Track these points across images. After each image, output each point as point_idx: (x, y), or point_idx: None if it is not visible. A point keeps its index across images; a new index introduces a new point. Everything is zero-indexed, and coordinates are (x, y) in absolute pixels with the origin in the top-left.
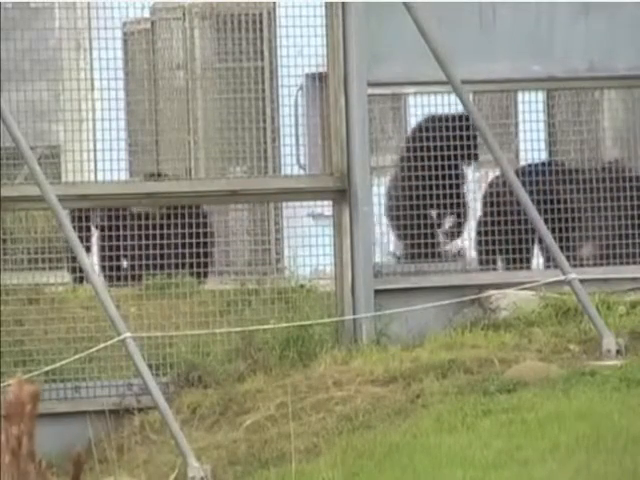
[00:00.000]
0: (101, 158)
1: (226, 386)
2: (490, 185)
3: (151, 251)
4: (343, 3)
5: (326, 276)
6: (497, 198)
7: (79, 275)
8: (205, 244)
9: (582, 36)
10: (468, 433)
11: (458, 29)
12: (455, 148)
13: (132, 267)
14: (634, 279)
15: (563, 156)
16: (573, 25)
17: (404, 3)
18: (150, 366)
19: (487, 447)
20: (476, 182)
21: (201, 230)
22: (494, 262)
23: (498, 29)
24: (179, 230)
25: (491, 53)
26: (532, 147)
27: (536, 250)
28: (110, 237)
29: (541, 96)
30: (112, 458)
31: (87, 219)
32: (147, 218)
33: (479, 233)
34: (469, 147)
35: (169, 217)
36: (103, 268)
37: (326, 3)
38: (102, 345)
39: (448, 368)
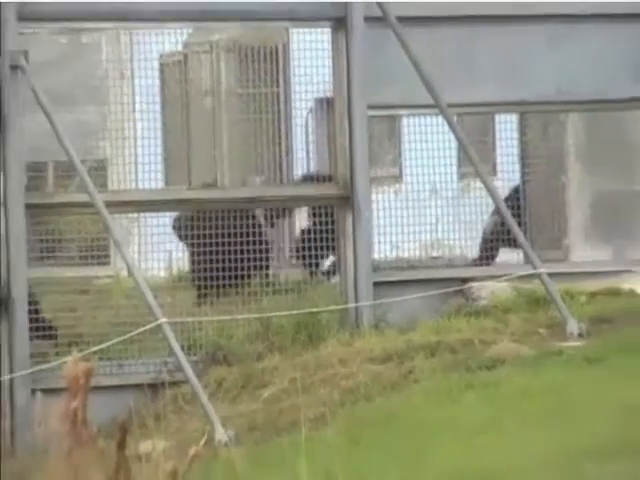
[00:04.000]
0: (141, 170)
1: (247, 364)
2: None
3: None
4: (347, 38)
5: (332, 270)
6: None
7: None
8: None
9: (551, 65)
10: (453, 405)
11: (445, 60)
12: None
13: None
14: (593, 273)
15: (539, 167)
16: (543, 56)
17: (399, 39)
18: (182, 347)
19: (470, 416)
20: (460, 190)
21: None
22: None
23: (478, 60)
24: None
25: (472, 81)
26: (507, 161)
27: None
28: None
29: (515, 118)
30: (150, 425)
31: None
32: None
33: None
34: None
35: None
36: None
37: (332, 38)
38: (142, 329)
39: (436, 348)
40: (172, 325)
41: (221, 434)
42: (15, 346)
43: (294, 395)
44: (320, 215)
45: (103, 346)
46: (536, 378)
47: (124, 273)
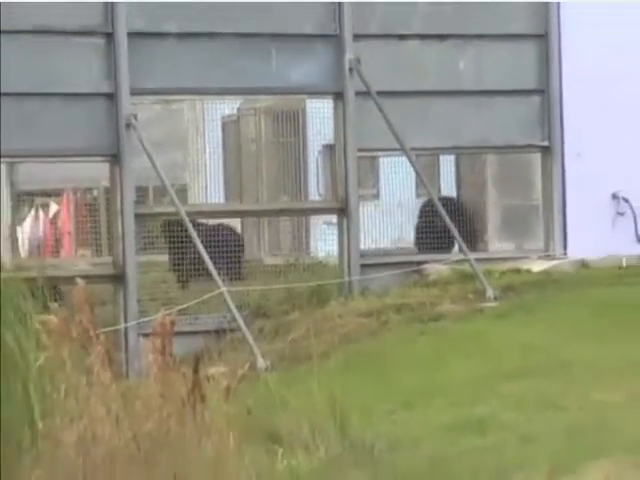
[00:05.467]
0: (209, 191)
1: (278, 317)
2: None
3: None
4: (343, 105)
5: (334, 256)
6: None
7: None
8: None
9: (476, 123)
10: (413, 345)
11: (407, 120)
12: None
13: None
14: (503, 258)
15: (468, 190)
16: (471, 117)
17: (378, 106)
18: (237, 306)
19: (423, 354)
20: (417, 204)
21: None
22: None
23: (429, 120)
24: None
25: (426, 133)
26: (448, 186)
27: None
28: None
29: (453, 157)
30: (215, 357)
31: None
32: None
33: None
34: None
35: None
36: None
37: (334, 105)
38: (210, 294)
39: (401, 308)
40: (230, 292)
41: (261, 363)
42: (128, 306)
43: (309, 338)
44: None
45: (184, 306)
46: (466, 327)
47: None
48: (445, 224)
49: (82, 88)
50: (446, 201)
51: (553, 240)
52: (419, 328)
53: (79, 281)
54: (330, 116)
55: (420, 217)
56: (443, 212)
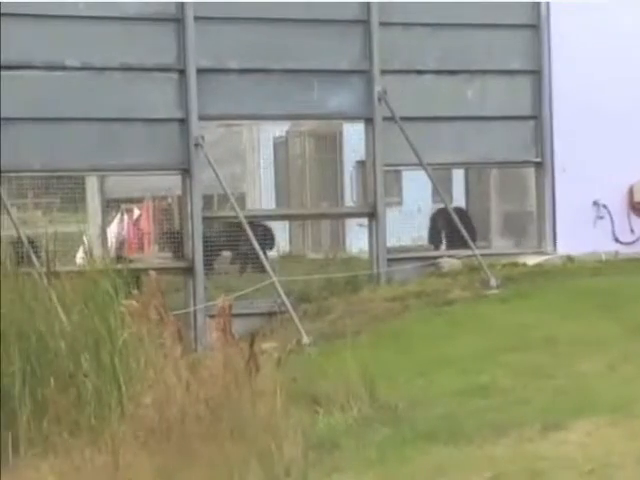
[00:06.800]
0: (263, 198)
1: (319, 302)
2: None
3: None
4: (373, 128)
5: (365, 252)
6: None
7: None
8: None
9: (480, 143)
10: (429, 324)
11: (424, 140)
12: None
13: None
14: (504, 254)
15: (475, 198)
16: (476, 138)
17: (401, 129)
18: (285, 293)
19: (437, 331)
20: (433, 209)
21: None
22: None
23: (442, 140)
24: None
25: (440, 151)
26: (458, 195)
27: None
28: None
29: (462, 171)
30: (267, 334)
31: None
32: None
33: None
34: None
35: None
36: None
37: (365, 128)
38: (264, 283)
39: (420, 294)
40: (280, 281)
41: (305, 339)
42: (197, 292)
43: (344, 319)
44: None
45: (242, 292)
46: (473, 310)
47: None
48: (457, 227)
49: (160, 114)
50: (457, 210)
51: (545, 239)
52: (434, 311)
53: (151, 273)
54: (362, 137)
55: (431, 222)
56: (456, 217)
